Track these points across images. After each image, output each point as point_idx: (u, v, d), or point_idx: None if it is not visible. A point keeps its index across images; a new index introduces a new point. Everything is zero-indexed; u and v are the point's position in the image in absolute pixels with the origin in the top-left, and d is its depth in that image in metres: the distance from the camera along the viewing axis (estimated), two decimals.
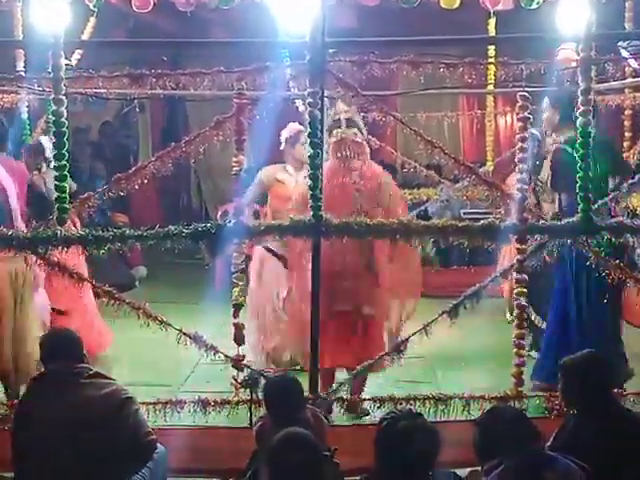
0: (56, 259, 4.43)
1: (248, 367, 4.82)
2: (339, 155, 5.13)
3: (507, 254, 6.87)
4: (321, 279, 4.64)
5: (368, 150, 5.27)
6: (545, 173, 6.10)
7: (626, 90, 7.14)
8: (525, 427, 3.16)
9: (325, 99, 4.59)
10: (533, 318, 6.14)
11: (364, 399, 4.74)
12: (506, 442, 3.09)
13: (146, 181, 4.98)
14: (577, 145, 4.38)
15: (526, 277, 4.70)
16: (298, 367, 5.62)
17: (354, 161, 5.11)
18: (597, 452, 3.31)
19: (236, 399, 4.72)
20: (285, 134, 6.00)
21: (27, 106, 6.71)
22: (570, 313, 5.30)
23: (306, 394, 4.30)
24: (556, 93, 5.30)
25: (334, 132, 5.14)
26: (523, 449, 3.07)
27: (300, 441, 3.00)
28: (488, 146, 8.86)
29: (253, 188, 5.83)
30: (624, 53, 5.82)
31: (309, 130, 4.38)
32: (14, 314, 5.25)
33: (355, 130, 5.16)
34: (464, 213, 9.17)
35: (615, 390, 4.02)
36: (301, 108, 5.90)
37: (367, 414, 4.83)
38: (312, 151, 4.37)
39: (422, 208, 8.81)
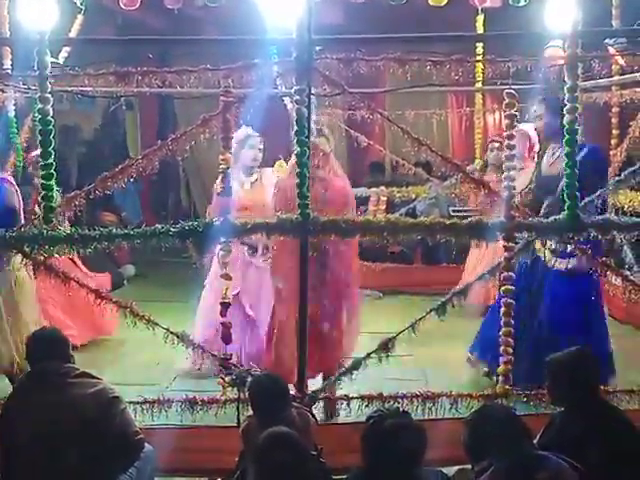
0: (42, 258, 4.42)
1: (236, 366, 4.81)
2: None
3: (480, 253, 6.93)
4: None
5: (334, 162, 5.27)
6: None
7: (613, 88, 7.17)
8: (515, 426, 3.15)
9: (312, 97, 4.59)
10: None
11: (351, 397, 4.74)
12: (496, 442, 3.09)
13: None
14: (564, 143, 4.39)
15: (513, 275, 4.70)
16: None
17: (319, 171, 5.05)
18: (584, 449, 3.32)
19: (224, 398, 4.70)
20: (235, 139, 6.00)
21: (14, 104, 6.68)
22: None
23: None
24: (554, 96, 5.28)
25: None
26: (513, 449, 3.06)
27: (284, 440, 3.00)
28: (477, 143, 8.88)
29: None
30: (611, 50, 5.83)
31: (296, 128, 4.36)
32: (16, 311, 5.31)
33: (324, 140, 5.18)
34: (453, 211, 9.17)
35: (602, 387, 4.01)
36: (289, 106, 5.90)
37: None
38: (299, 149, 4.35)
39: (410, 206, 8.84)
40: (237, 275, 5.82)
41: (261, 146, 6.04)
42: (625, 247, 7.10)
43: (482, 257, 6.95)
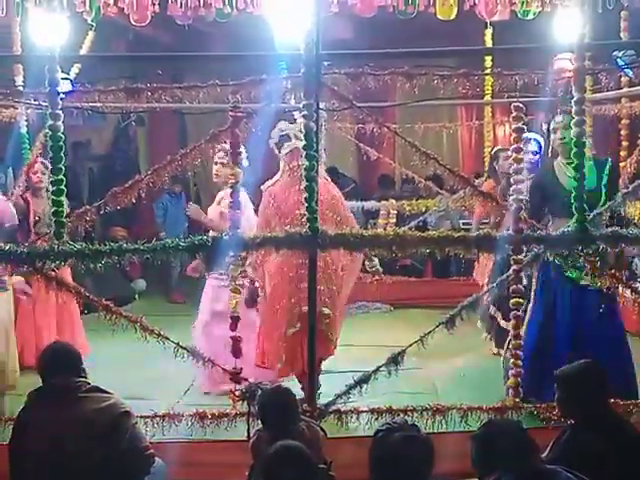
0: (53, 274, 4.45)
1: (246, 380, 4.82)
2: (292, 165, 5.37)
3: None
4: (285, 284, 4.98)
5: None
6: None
7: (622, 99, 7.17)
8: (523, 440, 3.13)
9: (322, 111, 4.63)
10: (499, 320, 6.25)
11: (361, 411, 4.74)
12: (504, 456, 3.07)
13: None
14: (571, 155, 4.39)
15: (522, 288, 4.70)
16: None
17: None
18: (594, 462, 3.31)
19: (234, 412, 4.71)
20: None
21: (26, 120, 6.74)
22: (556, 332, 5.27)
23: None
24: None
25: (285, 145, 5.40)
26: (521, 463, 3.05)
27: (291, 454, 3.00)
28: (486, 156, 8.88)
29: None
30: (620, 63, 5.83)
31: (305, 142, 4.39)
32: None
33: (301, 143, 5.26)
34: (463, 224, 9.18)
35: (612, 400, 4.00)
36: (299, 120, 5.93)
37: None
38: (308, 163, 4.37)
39: (421, 219, 8.84)
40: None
41: (223, 161, 5.84)
42: (636, 259, 7.08)
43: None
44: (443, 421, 4.66)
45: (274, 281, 5.32)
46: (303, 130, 4.42)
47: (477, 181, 7.37)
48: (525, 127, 4.71)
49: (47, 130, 4.40)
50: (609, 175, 5.10)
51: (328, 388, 5.05)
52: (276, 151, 5.49)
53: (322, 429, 3.99)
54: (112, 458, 3.63)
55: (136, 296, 9.29)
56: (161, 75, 5.30)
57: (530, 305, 5.23)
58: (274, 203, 5.38)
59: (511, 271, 4.70)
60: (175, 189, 9.91)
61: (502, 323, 6.24)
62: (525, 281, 5.11)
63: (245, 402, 4.61)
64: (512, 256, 4.68)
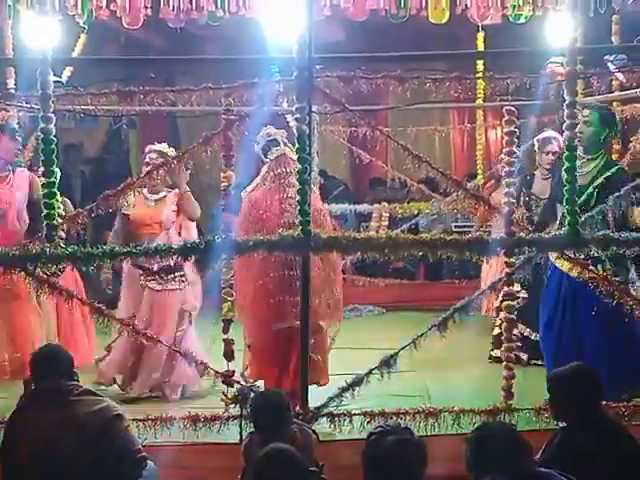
0: (45, 276, 4.44)
1: (238, 383, 4.82)
2: (278, 171, 5.30)
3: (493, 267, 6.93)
4: (265, 295, 5.01)
5: None
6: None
7: (614, 103, 7.19)
8: (516, 443, 3.14)
9: (314, 114, 4.63)
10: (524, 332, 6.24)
11: (354, 414, 4.74)
12: (497, 458, 3.08)
13: None
14: (564, 158, 4.42)
15: (514, 291, 4.72)
16: None
17: (291, 177, 5.13)
18: (587, 465, 3.32)
19: (226, 415, 4.70)
20: None
21: (17, 123, 6.72)
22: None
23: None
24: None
25: (272, 149, 5.34)
26: (515, 465, 3.06)
27: (283, 457, 3.00)
28: (478, 159, 8.91)
29: None
30: (611, 67, 5.86)
31: (298, 145, 4.40)
32: None
33: (288, 150, 5.31)
34: (455, 226, 9.21)
35: (604, 403, 4.00)
36: (292, 123, 5.95)
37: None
38: (301, 166, 4.38)
39: (413, 222, 8.86)
40: (128, 300, 5.85)
41: (155, 161, 5.76)
42: (628, 262, 7.08)
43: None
44: (435, 424, 4.66)
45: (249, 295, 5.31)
46: (296, 133, 4.43)
47: (470, 184, 7.42)
48: (517, 130, 4.73)
49: (39, 133, 4.40)
50: (606, 178, 5.09)
51: (321, 391, 5.05)
52: (261, 156, 5.43)
53: (314, 432, 3.99)
54: (104, 461, 3.62)
55: None
56: (153, 78, 5.30)
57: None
58: (254, 211, 5.26)
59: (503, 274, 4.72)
60: None
61: (527, 333, 6.31)
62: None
63: (237, 405, 4.62)
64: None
